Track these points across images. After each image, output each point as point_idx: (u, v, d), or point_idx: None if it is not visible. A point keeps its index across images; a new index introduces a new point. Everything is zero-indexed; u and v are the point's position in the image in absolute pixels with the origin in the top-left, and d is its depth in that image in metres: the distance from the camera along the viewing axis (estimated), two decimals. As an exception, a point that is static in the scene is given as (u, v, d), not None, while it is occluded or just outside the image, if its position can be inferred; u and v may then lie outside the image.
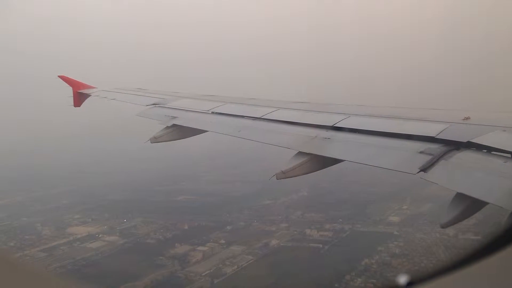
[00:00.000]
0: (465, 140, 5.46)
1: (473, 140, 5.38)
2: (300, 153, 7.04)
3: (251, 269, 43.94)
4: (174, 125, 10.50)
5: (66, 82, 17.88)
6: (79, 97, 17.44)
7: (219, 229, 56.19)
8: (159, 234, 55.93)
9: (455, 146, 5.48)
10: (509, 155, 4.82)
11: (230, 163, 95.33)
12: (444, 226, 5.13)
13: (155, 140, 10.36)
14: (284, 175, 6.87)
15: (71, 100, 17.44)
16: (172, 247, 50.73)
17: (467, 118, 6.24)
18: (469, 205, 4.79)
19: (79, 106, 17.54)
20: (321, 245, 48.03)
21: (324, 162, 6.97)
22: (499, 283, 1.94)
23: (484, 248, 2.14)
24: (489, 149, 5.18)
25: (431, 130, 6.09)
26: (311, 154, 6.94)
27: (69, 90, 17.59)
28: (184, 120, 10.72)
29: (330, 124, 7.60)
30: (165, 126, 10.59)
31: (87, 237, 55.49)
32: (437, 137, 5.84)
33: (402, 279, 2.05)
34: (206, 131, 10.08)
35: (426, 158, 5.41)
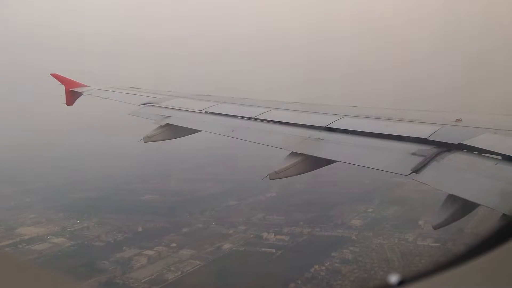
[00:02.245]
0: (456, 142, 5.51)
1: (465, 142, 5.43)
2: (293, 154, 7.07)
3: (194, 276, 42.11)
4: (167, 125, 10.48)
5: (58, 80, 17.78)
6: (72, 96, 17.36)
7: (175, 231, 54.55)
8: (110, 236, 53.88)
9: (446, 147, 5.53)
10: (499, 157, 4.89)
11: (210, 162, 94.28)
12: (436, 227, 5.15)
13: (148, 139, 10.36)
14: (277, 175, 6.89)
15: (63, 99, 17.39)
16: (120, 250, 48.79)
17: (459, 120, 6.31)
18: (460, 207, 4.83)
19: (72, 105, 17.46)
20: (274, 250, 46.80)
21: (317, 162, 7.02)
22: (492, 281, 1.95)
23: (476, 248, 2.13)
24: (480, 151, 5.22)
25: (423, 131, 6.16)
26: (304, 154, 6.98)
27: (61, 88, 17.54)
28: (178, 119, 10.71)
29: (323, 125, 7.64)
30: (158, 126, 10.57)
31: (35, 239, 53.10)
32: (429, 138, 5.89)
33: (393, 278, 2.03)
34: (200, 130, 10.08)
35: (418, 160, 5.45)
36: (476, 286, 1.98)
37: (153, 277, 41.89)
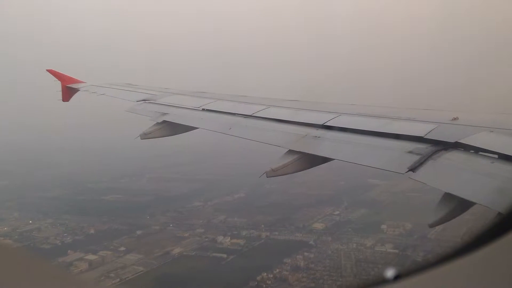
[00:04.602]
0: (453, 141, 5.55)
1: (461, 141, 5.46)
2: (290, 151, 7.11)
3: (132, 283, 40.26)
4: (164, 122, 10.46)
5: (54, 76, 17.67)
6: (68, 92, 17.35)
7: (128, 233, 52.73)
8: (60, 238, 51.90)
9: (443, 146, 5.56)
10: (496, 156, 4.92)
11: (190, 161, 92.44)
12: (432, 225, 5.19)
13: (145, 136, 10.32)
14: (274, 173, 6.91)
15: (59, 95, 17.45)
16: (64, 254, 46.28)
17: (455, 119, 6.32)
18: (456, 205, 4.83)
19: (68, 101, 17.47)
20: (225, 255, 45.25)
21: (313, 160, 7.07)
22: (485, 277, 2.00)
23: (470, 243, 2.18)
24: (477, 150, 5.26)
25: (420, 130, 6.19)
26: (301, 152, 7.02)
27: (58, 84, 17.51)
28: (175, 116, 10.69)
29: (321, 122, 7.66)
30: (155, 122, 10.53)
31: (-22, 239, 50.85)
32: (425, 137, 5.92)
33: (389, 273, 2.05)
34: (197, 128, 10.03)
35: (414, 158, 5.46)
36: (469, 281, 2.01)
37: (88, 285, 39.36)
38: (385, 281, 2.04)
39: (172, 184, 75.82)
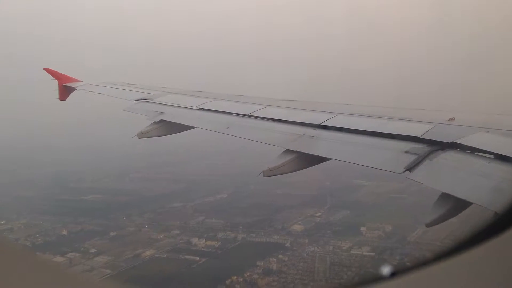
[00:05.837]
0: (449, 141, 5.59)
1: (457, 141, 5.50)
2: (288, 151, 7.15)
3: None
4: (162, 121, 10.45)
5: (51, 75, 17.67)
6: (65, 91, 17.33)
7: (102, 234, 51.33)
8: (31, 239, 50.22)
9: (439, 146, 5.60)
10: (492, 156, 4.96)
11: (177, 161, 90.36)
12: (429, 225, 5.23)
13: (142, 135, 10.27)
14: (271, 172, 6.96)
15: (56, 94, 17.43)
16: (31, 256, 44.46)
17: (452, 119, 6.36)
18: (453, 205, 4.86)
19: (65, 100, 17.46)
20: (198, 258, 44.05)
21: (311, 160, 7.11)
22: (483, 274, 2.01)
23: (466, 241, 2.20)
24: (473, 150, 5.29)
25: (416, 130, 6.23)
26: (298, 152, 7.06)
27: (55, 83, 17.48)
28: (172, 115, 10.69)
29: (318, 122, 7.70)
30: (152, 122, 10.52)
31: None
32: (422, 137, 5.96)
33: (385, 270, 2.08)
34: (194, 127, 10.04)
35: (411, 158, 5.50)
36: (466, 279, 2.02)
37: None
38: (378, 279, 2.04)
39: (156, 184, 74.35)
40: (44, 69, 18.00)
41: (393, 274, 2.06)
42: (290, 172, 7.14)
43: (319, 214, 55.10)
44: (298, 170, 7.14)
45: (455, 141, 5.51)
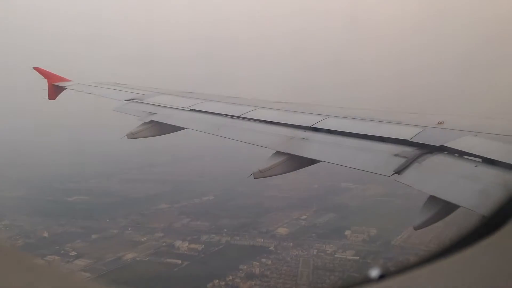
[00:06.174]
0: (438, 144, 5.65)
1: (446, 144, 5.56)
2: (278, 153, 7.20)
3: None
4: (152, 121, 10.41)
5: (41, 74, 17.59)
6: (54, 90, 17.26)
7: (83, 237, 50.23)
8: (11, 241, 48.41)
9: (428, 149, 5.65)
10: (479, 160, 5.04)
11: (165, 162, 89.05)
12: (417, 228, 5.21)
13: (132, 136, 10.25)
14: (261, 174, 7.00)
15: (46, 93, 17.31)
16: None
17: (441, 123, 6.45)
18: (441, 208, 4.90)
19: (54, 99, 17.37)
20: (180, 261, 43.03)
21: (301, 162, 7.16)
22: (470, 276, 2.02)
23: (453, 245, 2.22)
24: (461, 153, 5.36)
25: (406, 133, 6.28)
26: (289, 154, 7.10)
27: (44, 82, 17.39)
28: (163, 116, 10.68)
29: (308, 124, 7.74)
30: (142, 122, 10.48)
31: None
32: (411, 140, 6.02)
33: (374, 272, 2.09)
34: (185, 128, 10.03)
35: (400, 161, 5.55)
36: (453, 281, 2.02)
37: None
38: (369, 280, 2.05)
39: (143, 185, 73.28)
40: (34, 68, 17.91)
41: (378, 277, 2.06)
42: (280, 174, 7.19)
43: (304, 217, 54.62)
44: (288, 172, 7.20)
45: (444, 145, 5.57)
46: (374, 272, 2.08)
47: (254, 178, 7.07)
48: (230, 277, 38.52)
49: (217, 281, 37.49)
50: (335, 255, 42.51)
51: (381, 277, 2.08)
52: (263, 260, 42.21)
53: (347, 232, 47.24)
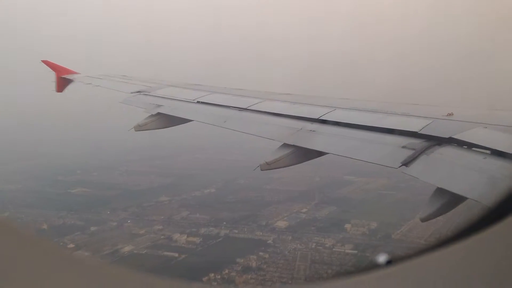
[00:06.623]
0: (447, 136, 5.59)
1: (455, 136, 5.50)
2: (285, 145, 7.17)
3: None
4: (159, 114, 10.43)
5: (49, 66, 17.72)
6: (62, 83, 17.37)
7: (82, 229, 50.06)
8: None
9: (437, 141, 5.61)
10: (488, 152, 4.98)
11: (169, 155, 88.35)
12: (424, 220, 5.20)
13: (139, 128, 10.28)
14: (268, 166, 6.97)
15: (54, 85, 17.46)
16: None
17: (450, 114, 6.38)
18: (448, 200, 4.87)
19: (62, 92, 17.50)
20: (177, 254, 42.74)
21: (308, 154, 7.13)
22: (472, 265, 2.02)
23: (454, 235, 2.23)
24: (470, 145, 5.31)
25: (414, 125, 6.25)
26: (296, 146, 7.07)
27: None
28: (169, 108, 10.69)
29: (316, 116, 7.71)
30: (149, 114, 10.50)
31: None
32: (420, 132, 5.97)
33: (381, 258, 2.11)
34: (191, 120, 10.04)
35: (408, 153, 5.53)
36: (455, 270, 2.03)
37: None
38: (374, 266, 2.06)
39: (145, 177, 72.87)
40: (42, 61, 17.97)
41: (377, 266, 2.07)
42: (287, 166, 7.16)
43: (305, 210, 54.22)
44: (295, 164, 7.16)
45: (453, 137, 5.52)
46: (377, 260, 2.09)
47: (261, 170, 7.03)
48: (226, 271, 38.31)
49: (212, 274, 37.32)
50: (334, 249, 42.30)
51: (383, 264, 2.09)
52: (261, 253, 41.90)
53: (347, 226, 47.01)
